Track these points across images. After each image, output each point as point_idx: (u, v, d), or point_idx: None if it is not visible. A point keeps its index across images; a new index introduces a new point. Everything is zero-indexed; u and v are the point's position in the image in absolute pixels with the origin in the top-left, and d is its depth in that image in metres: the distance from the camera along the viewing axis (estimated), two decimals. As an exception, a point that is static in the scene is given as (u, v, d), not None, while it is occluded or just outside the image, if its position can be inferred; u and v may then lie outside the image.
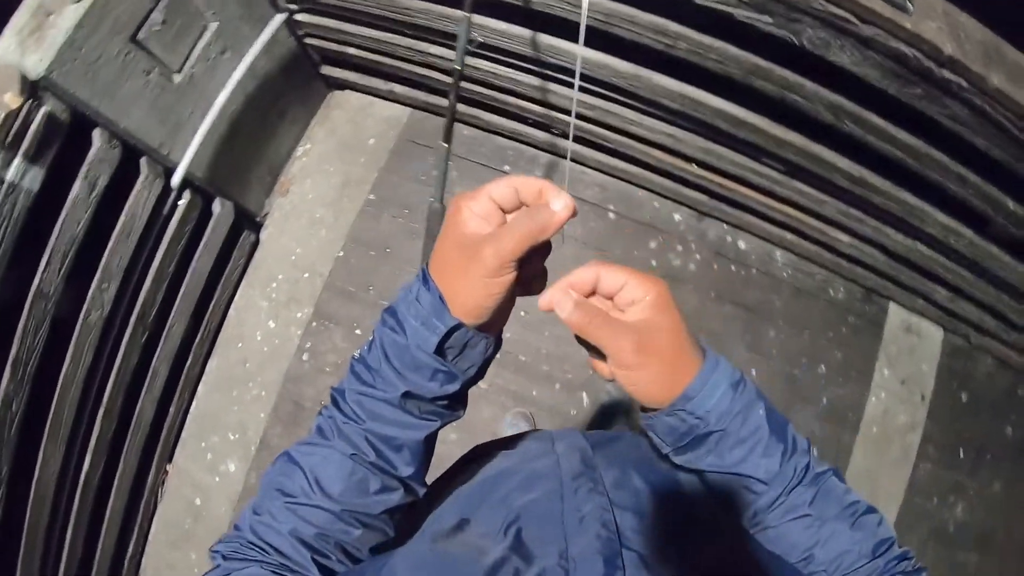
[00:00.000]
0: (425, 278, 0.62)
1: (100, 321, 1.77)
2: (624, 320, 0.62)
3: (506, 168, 2.53)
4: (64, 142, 1.51)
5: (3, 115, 1.37)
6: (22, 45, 1.42)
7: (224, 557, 0.60)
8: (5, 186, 1.41)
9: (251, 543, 0.61)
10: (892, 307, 2.44)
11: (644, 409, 0.65)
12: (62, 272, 1.59)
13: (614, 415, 2.32)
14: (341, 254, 2.45)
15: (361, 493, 0.63)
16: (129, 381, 1.96)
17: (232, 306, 2.43)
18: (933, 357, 2.44)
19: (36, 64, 1.42)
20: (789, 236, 2.35)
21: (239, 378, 2.38)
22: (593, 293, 0.64)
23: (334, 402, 0.65)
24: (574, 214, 0.59)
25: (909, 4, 1.38)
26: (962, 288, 2.20)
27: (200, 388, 2.38)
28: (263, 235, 2.51)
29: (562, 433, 0.82)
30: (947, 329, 2.45)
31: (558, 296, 0.62)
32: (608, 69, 1.89)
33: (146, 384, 2.06)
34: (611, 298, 0.63)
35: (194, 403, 2.38)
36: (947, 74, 1.44)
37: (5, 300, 1.51)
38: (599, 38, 1.77)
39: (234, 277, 2.39)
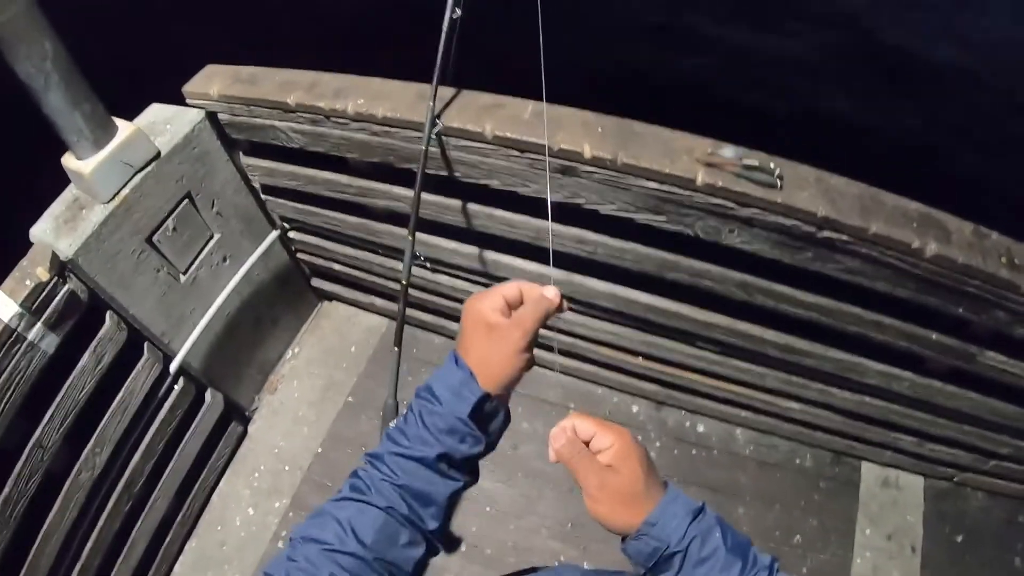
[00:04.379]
0: (456, 359, 0.76)
1: (89, 482, 1.79)
2: (596, 460, 0.72)
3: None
4: (80, 317, 1.66)
5: (34, 285, 1.51)
6: (57, 229, 1.64)
7: None
8: (26, 344, 1.52)
9: None
10: (864, 465, 2.30)
11: (623, 538, 0.73)
12: (61, 430, 1.67)
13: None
14: (320, 450, 2.45)
15: (391, 544, 0.68)
16: (108, 546, 1.92)
17: (216, 491, 2.39)
18: (917, 506, 2.25)
19: (67, 247, 1.60)
20: (743, 413, 2.28)
21: (216, 560, 2.26)
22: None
23: (371, 463, 0.73)
24: (562, 304, 0.79)
25: (778, 181, 1.48)
26: (923, 430, 2.09)
27: (177, 566, 2.25)
28: (251, 428, 2.52)
29: (564, 568, 0.89)
30: (926, 475, 2.29)
31: (556, 432, 0.74)
32: (546, 279, 1.96)
33: (124, 551, 2.00)
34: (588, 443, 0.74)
35: None
36: (827, 234, 1.50)
37: (7, 444, 1.58)
38: (534, 251, 1.91)
39: (220, 464, 2.38)
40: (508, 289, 0.78)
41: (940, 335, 1.74)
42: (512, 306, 0.78)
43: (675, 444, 2.36)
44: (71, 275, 1.63)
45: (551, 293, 0.78)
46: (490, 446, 0.77)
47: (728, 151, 1.53)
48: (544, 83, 1.14)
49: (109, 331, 1.75)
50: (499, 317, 0.76)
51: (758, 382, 2.11)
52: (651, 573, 0.72)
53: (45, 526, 1.71)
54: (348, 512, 0.68)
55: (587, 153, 1.54)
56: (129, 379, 1.83)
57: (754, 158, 1.51)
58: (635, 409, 2.42)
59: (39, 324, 1.53)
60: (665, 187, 1.54)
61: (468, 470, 0.76)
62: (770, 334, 1.90)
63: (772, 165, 1.49)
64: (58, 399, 1.64)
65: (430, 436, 0.71)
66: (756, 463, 2.32)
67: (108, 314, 1.75)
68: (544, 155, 1.58)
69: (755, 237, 1.59)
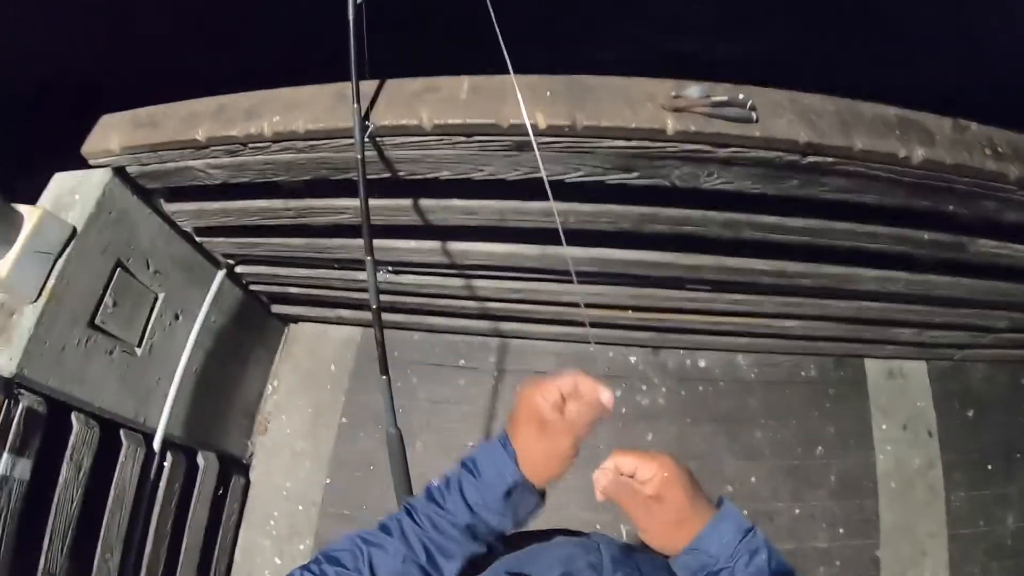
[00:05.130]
0: (505, 442, 0.79)
1: None
2: (640, 492, 0.74)
3: (461, 362, 2.44)
4: (46, 428, 1.51)
5: (-17, 418, 1.35)
6: (-8, 348, 1.45)
7: None
8: (-1, 481, 1.38)
9: None
10: (867, 363, 2.30)
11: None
12: (64, 550, 1.55)
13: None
14: (328, 481, 2.36)
15: None
16: None
17: (237, 549, 2.30)
18: (925, 390, 2.27)
19: (7, 363, 1.44)
20: (743, 340, 2.24)
21: None
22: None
23: (406, 511, 0.78)
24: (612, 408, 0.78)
25: (752, 113, 1.35)
26: (922, 321, 2.08)
27: None
28: (252, 476, 2.41)
29: (597, 536, 0.90)
30: (928, 359, 2.31)
31: (598, 475, 0.76)
32: (519, 256, 1.85)
33: None
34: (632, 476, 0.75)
35: None
36: (812, 159, 1.39)
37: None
38: (504, 233, 1.77)
39: (232, 522, 2.29)
40: (565, 383, 0.78)
41: (932, 233, 1.68)
42: (566, 397, 0.78)
43: (680, 385, 2.31)
44: (22, 391, 1.46)
45: (606, 398, 0.77)
46: (519, 524, 0.79)
47: (693, 90, 1.38)
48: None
49: (80, 433, 1.59)
50: (554, 414, 0.77)
51: (755, 309, 2.05)
52: None
53: None
54: (371, 548, 0.73)
55: (541, 123, 1.38)
56: (116, 473, 1.71)
57: (721, 92, 1.37)
58: (633, 359, 2.35)
59: (5, 454, 1.39)
60: (634, 143, 1.40)
61: (494, 541, 0.78)
62: (762, 264, 1.82)
63: (742, 96, 1.36)
64: (51, 521, 1.51)
65: (464, 505, 0.76)
66: (763, 384, 2.29)
67: (73, 415, 1.59)
68: (496, 135, 1.42)
69: (736, 176, 1.48)
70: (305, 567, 0.70)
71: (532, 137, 1.23)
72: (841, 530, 2.11)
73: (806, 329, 2.13)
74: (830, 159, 1.39)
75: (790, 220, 1.63)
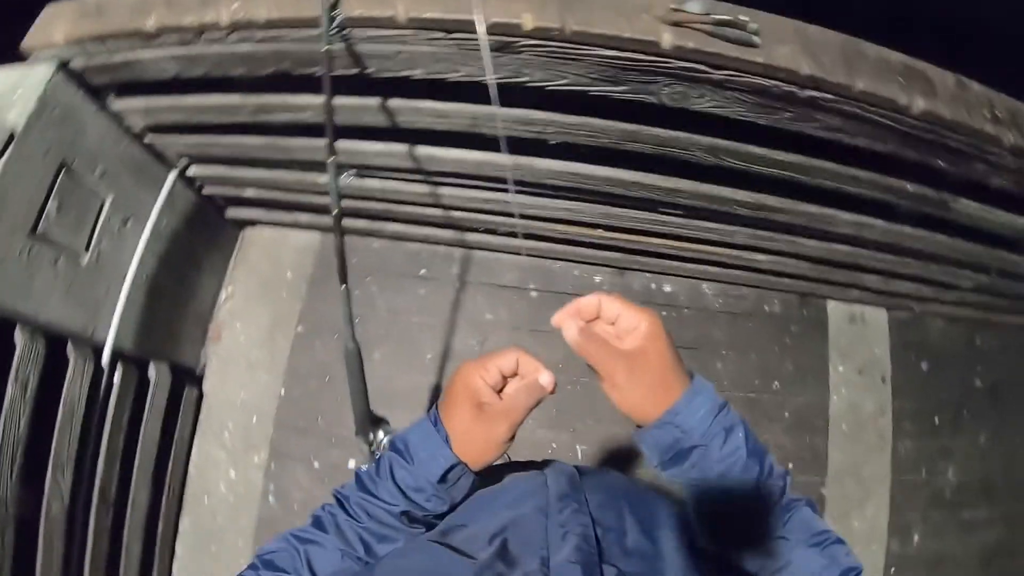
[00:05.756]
0: (436, 421, 0.73)
1: (63, 511, 1.65)
2: (619, 347, 0.68)
3: (423, 272, 2.38)
4: None
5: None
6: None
7: None
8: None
9: None
10: (830, 304, 2.32)
11: (638, 426, 0.70)
12: (14, 474, 1.49)
13: None
14: (283, 392, 2.31)
15: None
16: (105, 561, 1.83)
17: (191, 463, 2.27)
18: (883, 338, 2.30)
19: None
20: (711, 269, 2.21)
21: (214, 533, 2.21)
22: (597, 319, 0.71)
23: (338, 503, 0.74)
24: (554, 388, 0.73)
25: (755, 38, 1.26)
26: (890, 270, 2.08)
27: (179, 549, 2.20)
28: (206, 387, 2.34)
29: (552, 463, 0.84)
30: (890, 308, 2.33)
31: (565, 319, 0.70)
32: (489, 165, 1.76)
33: (122, 560, 1.92)
34: (613, 324, 0.70)
35: (176, 565, 2.19)
36: (810, 93, 1.32)
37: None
38: (473, 139, 1.66)
39: (186, 434, 2.25)
40: (505, 362, 0.73)
41: (916, 185, 1.65)
42: (506, 377, 0.74)
43: (643, 308, 2.28)
44: None
45: (546, 381, 0.72)
46: (454, 506, 0.74)
47: (694, 5, 1.27)
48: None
49: (25, 349, 1.50)
50: (491, 396, 0.73)
51: (726, 239, 2.01)
52: (665, 466, 0.70)
53: (38, 571, 1.59)
54: (309, 547, 0.70)
55: (528, 24, 1.26)
56: (64, 389, 1.63)
57: (724, 11, 1.27)
58: (598, 279, 2.32)
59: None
60: (625, 54, 1.30)
61: (430, 523, 0.74)
62: (740, 194, 1.77)
63: (746, 19, 1.26)
64: None
65: (397, 491, 0.71)
66: (727, 315, 2.30)
67: (17, 330, 1.50)
68: (475, 32, 1.29)
69: (728, 100, 1.40)
70: (241, 575, 0.66)
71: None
72: (791, 464, 2.18)
73: (775, 264, 2.12)
74: (829, 95, 1.32)
75: (776, 153, 1.57)
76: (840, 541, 0.67)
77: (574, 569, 0.53)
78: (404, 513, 0.71)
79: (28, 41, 1.50)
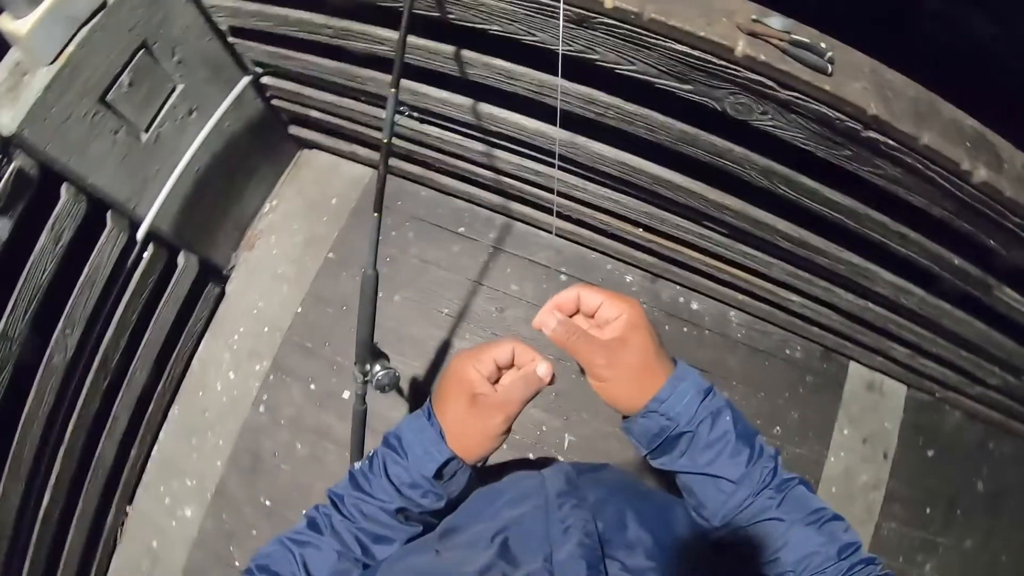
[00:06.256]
0: (430, 415, 0.72)
1: (63, 364, 1.73)
2: (600, 338, 0.68)
3: (461, 230, 2.41)
4: (35, 195, 1.51)
5: (-26, 169, 1.34)
6: (-3, 102, 1.42)
7: None
8: (-27, 233, 1.38)
9: None
10: (853, 366, 2.26)
11: (625, 416, 0.71)
12: (27, 317, 1.57)
13: None
14: (300, 310, 2.36)
15: None
16: (91, 424, 1.93)
17: (196, 356, 2.36)
18: (896, 414, 2.24)
19: (9, 121, 1.41)
20: (741, 297, 2.18)
21: (199, 427, 2.29)
22: (578, 312, 0.71)
23: (332, 503, 0.72)
24: (553, 380, 0.72)
25: (829, 66, 1.25)
26: (920, 345, 2.02)
27: (162, 434, 2.30)
28: (228, 288, 2.43)
29: (550, 464, 0.85)
30: (911, 386, 2.26)
31: (544, 316, 0.70)
32: (546, 137, 1.78)
33: (107, 428, 2.01)
34: (592, 316, 0.70)
35: (156, 448, 2.29)
36: (873, 134, 1.30)
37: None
38: (535, 107, 1.68)
39: (198, 328, 2.34)
40: (501, 353, 0.72)
41: (963, 261, 1.61)
42: (501, 369, 0.73)
43: (667, 319, 2.29)
44: (17, 151, 1.44)
45: (543, 372, 0.72)
46: (451, 503, 0.73)
47: (776, 21, 1.26)
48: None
49: (67, 205, 1.58)
50: (486, 387, 0.72)
51: (763, 270, 1.98)
52: (654, 455, 0.70)
53: (24, 414, 1.67)
54: (305, 550, 0.69)
55: (608, 2, 1.28)
56: (94, 252, 1.71)
57: (804, 33, 1.26)
58: (628, 279, 2.32)
59: (-13, 209, 1.37)
60: (697, 52, 1.30)
61: (427, 521, 0.73)
62: (785, 225, 1.74)
63: (824, 45, 1.24)
64: (19, 286, 1.53)
65: (392, 488, 0.70)
66: (747, 348, 2.27)
67: (64, 187, 1.58)
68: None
69: (790, 123, 1.38)
70: None
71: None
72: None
73: (806, 309, 2.08)
74: (891, 141, 1.29)
75: (828, 191, 1.55)
76: (837, 517, 0.66)
77: (578, 564, 0.54)
78: (400, 511, 0.70)
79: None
